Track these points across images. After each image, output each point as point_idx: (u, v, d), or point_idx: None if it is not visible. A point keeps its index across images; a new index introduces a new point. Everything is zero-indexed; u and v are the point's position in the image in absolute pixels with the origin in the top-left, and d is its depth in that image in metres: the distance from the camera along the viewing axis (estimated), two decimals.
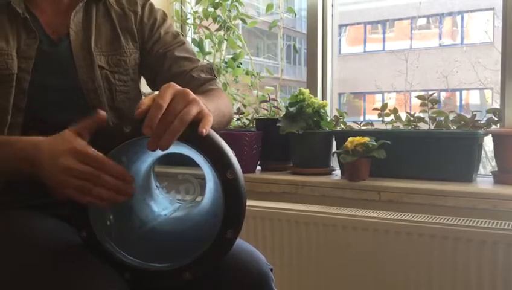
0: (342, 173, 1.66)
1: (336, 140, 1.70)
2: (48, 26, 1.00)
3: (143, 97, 1.16)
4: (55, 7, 1.02)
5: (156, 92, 0.73)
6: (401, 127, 1.64)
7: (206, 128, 0.72)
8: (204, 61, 1.74)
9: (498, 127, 1.54)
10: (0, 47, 0.93)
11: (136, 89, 1.09)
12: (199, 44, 2.08)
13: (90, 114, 0.99)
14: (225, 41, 2.05)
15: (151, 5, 1.13)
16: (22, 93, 0.94)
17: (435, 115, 1.57)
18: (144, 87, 1.16)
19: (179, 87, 0.73)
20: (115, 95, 1.03)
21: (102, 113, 0.77)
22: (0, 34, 0.94)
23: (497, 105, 1.63)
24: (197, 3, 2.08)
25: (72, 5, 1.02)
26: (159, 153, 0.89)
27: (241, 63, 2.08)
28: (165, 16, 1.14)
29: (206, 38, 2.07)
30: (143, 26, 1.09)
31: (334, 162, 1.73)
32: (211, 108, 0.82)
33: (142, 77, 1.14)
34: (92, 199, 0.72)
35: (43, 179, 0.76)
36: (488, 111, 1.55)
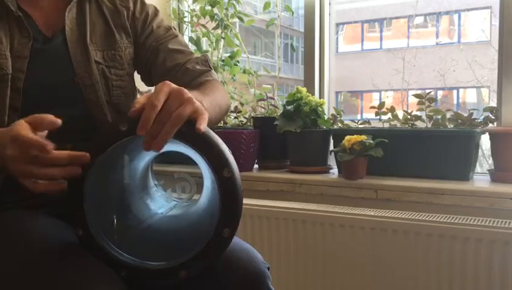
0: (339, 171, 1.66)
1: (333, 138, 1.70)
2: (42, 22, 0.99)
3: (138, 93, 1.16)
4: (53, 3, 1.02)
5: (152, 89, 0.73)
6: (398, 125, 1.63)
7: (203, 126, 0.72)
8: None
9: (495, 125, 1.54)
10: None
11: (131, 84, 1.10)
12: (196, 42, 2.08)
13: (88, 110, 0.99)
14: (222, 40, 2.05)
15: (143, 0, 1.13)
16: (17, 93, 0.93)
17: (432, 114, 1.57)
18: (139, 83, 1.16)
19: (174, 86, 0.72)
20: (111, 90, 1.03)
21: (58, 120, 0.73)
22: None
23: (494, 103, 1.63)
24: (194, 1, 2.08)
25: (67, 1, 1.02)
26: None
27: (238, 62, 2.08)
28: (156, 11, 1.14)
29: (203, 36, 2.07)
30: (135, 21, 1.09)
31: (332, 161, 1.73)
32: (207, 102, 0.82)
33: (136, 72, 1.14)
34: (44, 187, 0.72)
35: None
36: (485, 109, 1.55)
